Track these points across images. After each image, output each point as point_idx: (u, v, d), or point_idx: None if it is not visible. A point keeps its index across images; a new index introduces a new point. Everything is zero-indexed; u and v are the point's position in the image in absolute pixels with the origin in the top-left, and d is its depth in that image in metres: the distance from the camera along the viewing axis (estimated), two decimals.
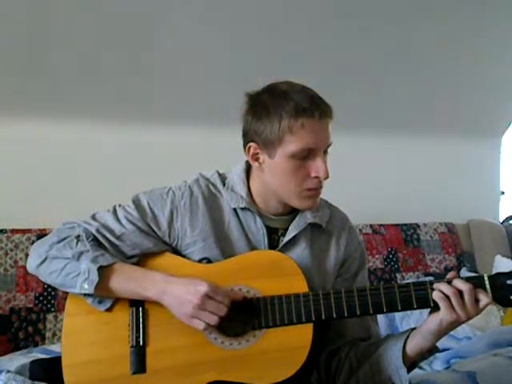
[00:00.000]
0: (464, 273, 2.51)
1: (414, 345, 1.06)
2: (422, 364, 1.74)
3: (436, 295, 1.02)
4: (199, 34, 2.10)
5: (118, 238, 1.10)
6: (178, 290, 1.02)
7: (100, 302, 1.07)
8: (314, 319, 1.05)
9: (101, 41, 2.01)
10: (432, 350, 1.08)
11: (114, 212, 1.14)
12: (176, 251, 1.15)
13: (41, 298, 1.87)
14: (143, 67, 2.13)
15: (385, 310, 1.05)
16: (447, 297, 1.01)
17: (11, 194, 2.07)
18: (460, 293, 1.01)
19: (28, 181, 2.10)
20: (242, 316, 1.06)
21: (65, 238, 1.09)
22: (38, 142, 2.13)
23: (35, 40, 1.95)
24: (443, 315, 1.00)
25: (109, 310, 1.08)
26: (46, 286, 1.86)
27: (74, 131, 2.15)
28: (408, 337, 1.07)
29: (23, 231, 1.93)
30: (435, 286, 1.03)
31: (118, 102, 2.18)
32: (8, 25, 1.88)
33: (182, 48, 2.13)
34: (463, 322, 1.02)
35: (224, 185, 1.18)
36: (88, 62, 2.05)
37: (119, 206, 1.15)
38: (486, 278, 1.04)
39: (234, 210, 1.15)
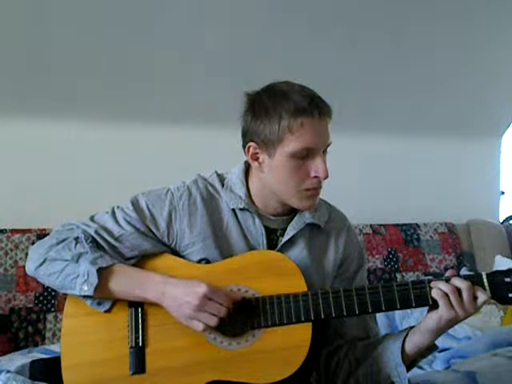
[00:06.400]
0: (464, 273, 2.51)
1: (413, 343, 1.06)
2: (422, 364, 1.75)
3: (435, 293, 1.02)
4: (199, 33, 2.10)
5: (116, 239, 1.10)
6: (176, 292, 1.02)
7: (99, 304, 1.07)
8: (312, 319, 1.05)
9: (100, 40, 2.02)
10: (431, 349, 1.08)
11: (113, 213, 1.14)
12: (175, 252, 1.15)
13: (41, 298, 1.87)
14: (143, 67, 2.13)
15: (384, 309, 1.05)
16: (446, 294, 1.01)
17: (11, 194, 2.07)
18: (458, 291, 1.01)
19: (28, 181, 2.10)
20: (241, 316, 1.06)
21: (63, 240, 1.09)
22: (38, 141, 2.13)
23: (35, 40, 1.95)
24: (442, 313, 1.01)
25: (108, 311, 1.08)
26: (45, 286, 1.86)
27: (73, 131, 2.15)
28: (407, 335, 1.07)
29: (23, 231, 1.93)
30: (433, 283, 1.04)
31: (118, 101, 2.19)
32: (8, 25, 1.88)
33: (182, 48, 2.13)
34: (461, 320, 1.02)
35: (223, 185, 1.18)
36: (87, 62, 2.05)
37: (118, 207, 1.15)
38: (484, 276, 1.04)
39: (233, 210, 1.15)
